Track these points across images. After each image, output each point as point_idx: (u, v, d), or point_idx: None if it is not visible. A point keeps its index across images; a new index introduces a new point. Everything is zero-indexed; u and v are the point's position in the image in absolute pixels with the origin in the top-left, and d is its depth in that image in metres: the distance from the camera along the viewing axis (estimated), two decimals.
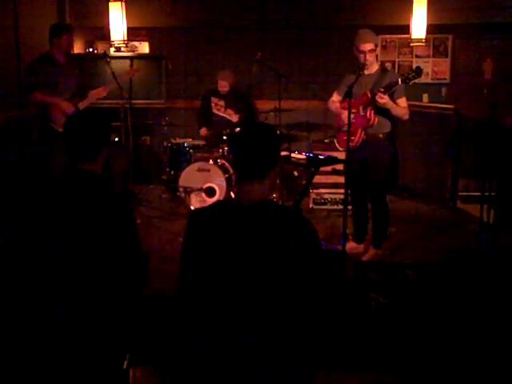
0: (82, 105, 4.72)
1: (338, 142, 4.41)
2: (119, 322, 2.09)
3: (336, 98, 4.41)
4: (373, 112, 4.09)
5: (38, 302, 2.03)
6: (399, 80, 3.95)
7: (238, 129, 5.33)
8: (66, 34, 4.67)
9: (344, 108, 4.07)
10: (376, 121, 4.11)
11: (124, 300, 2.11)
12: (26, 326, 2.04)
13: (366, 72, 4.11)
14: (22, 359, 2.03)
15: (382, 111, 4.12)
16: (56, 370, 2.00)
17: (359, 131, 4.16)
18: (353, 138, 4.13)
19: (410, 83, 3.97)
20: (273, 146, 1.86)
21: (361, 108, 4.15)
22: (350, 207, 4.36)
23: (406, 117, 4.13)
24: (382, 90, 3.96)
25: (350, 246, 4.50)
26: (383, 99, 3.94)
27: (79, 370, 2.00)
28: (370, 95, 4.08)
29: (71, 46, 4.88)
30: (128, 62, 6.08)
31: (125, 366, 2.14)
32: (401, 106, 4.10)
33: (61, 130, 2.45)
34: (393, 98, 4.06)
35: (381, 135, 4.20)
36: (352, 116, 4.06)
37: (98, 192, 2.11)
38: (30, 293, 2.04)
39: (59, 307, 2.00)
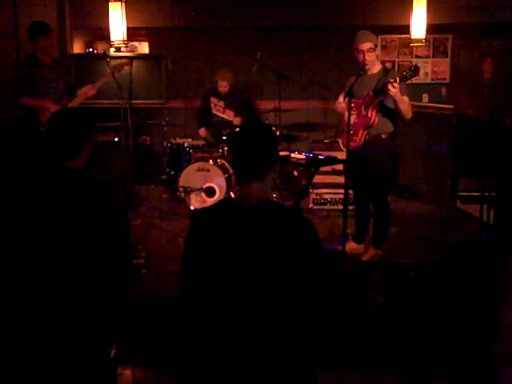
0: (70, 105, 4.60)
1: (341, 143, 4.41)
2: (102, 314, 2.11)
3: (342, 99, 4.40)
4: (374, 112, 4.09)
5: (18, 297, 2.05)
6: (397, 78, 3.93)
7: (237, 129, 5.33)
8: (42, 37, 4.47)
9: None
10: (376, 120, 4.09)
11: (106, 292, 2.13)
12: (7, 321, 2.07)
13: (368, 72, 4.11)
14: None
15: (385, 111, 4.11)
16: (42, 362, 2.02)
17: (361, 131, 4.16)
18: (355, 137, 4.14)
19: (407, 82, 3.94)
20: (270, 144, 1.85)
21: (362, 108, 4.15)
22: (351, 207, 4.36)
23: (410, 114, 4.06)
24: (392, 80, 3.91)
25: (350, 245, 4.50)
26: (395, 88, 3.85)
27: (66, 360, 2.02)
28: (371, 94, 4.08)
29: (51, 47, 4.63)
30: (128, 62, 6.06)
31: (112, 355, 2.17)
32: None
33: None
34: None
35: (383, 135, 4.19)
36: (354, 116, 4.06)
37: (79, 187, 2.13)
38: (11, 287, 2.07)
39: (40, 301, 2.03)
